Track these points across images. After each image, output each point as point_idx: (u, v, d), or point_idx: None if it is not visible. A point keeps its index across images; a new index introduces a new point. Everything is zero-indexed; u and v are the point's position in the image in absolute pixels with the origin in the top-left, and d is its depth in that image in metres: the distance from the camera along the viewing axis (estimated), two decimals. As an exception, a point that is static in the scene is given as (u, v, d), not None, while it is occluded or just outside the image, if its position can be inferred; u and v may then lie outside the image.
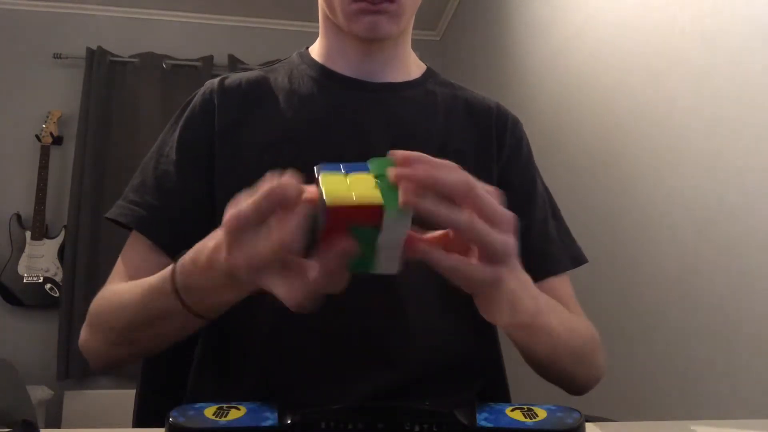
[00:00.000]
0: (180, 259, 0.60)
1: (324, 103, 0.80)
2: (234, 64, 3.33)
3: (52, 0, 3.29)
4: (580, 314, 0.83)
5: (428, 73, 0.88)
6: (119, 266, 0.78)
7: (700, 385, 1.28)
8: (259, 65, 3.35)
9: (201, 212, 0.77)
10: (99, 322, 0.72)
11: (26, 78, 3.24)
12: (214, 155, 0.77)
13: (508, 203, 0.81)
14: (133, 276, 0.75)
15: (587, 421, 0.54)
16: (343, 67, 0.82)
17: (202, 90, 0.83)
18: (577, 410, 0.54)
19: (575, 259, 0.86)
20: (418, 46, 3.62)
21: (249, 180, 0.74)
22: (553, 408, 0.55)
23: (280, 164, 0.74)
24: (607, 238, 1.69)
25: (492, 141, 0.84)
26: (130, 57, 3.29)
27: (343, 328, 0.72)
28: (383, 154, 0.76)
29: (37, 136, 3.13)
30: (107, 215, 0.78)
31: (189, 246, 0.74)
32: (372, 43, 0.80)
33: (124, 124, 3.22)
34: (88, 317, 0.75)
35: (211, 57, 3.34)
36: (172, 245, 0.76)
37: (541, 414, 0.53)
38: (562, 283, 0.84)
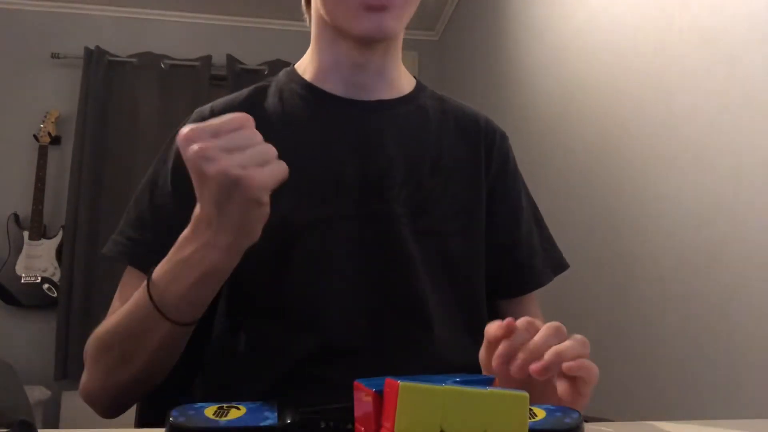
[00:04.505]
0: (154, 270, 0.66)
1: (319, 127, 0.80)
2: (233, 64, 3.33)
3: (50, 0, 3.28)
4: None
5: (419, 87, 0.89)
6: (117, 304, 0.78)
7: (700, 385, 1.28)
8: (259, 64, 3.35)
9: None
10: (95, 354, 0.74)
11: (24, 78, 3.24)
12: None
13: (497, 216, 0.86)
14: None
15: (586, 421, 0.54)
16: (334, 84, 0.82)
17: (191, 119, 0.82)
18: (576, 410, 0.54)
19: (557, 267, 0.90)
20: (416, 46, 3.63)
21: None
22: (552, 408, 0.55)
23: (285, 187, 0.75)
24: (605, 238, 1.69)
25: (481, 155, 0.85)
26: (129, 57, 3.28)
27: (374, 344, 0.75)
28: (381, 170, 0.79)
29: (35, 136, 3.13)
30: (107, 252, 0.78)
31: None
32: (368, 47, 0.79)
33: (122, 123, 3.22)
34: (85, 361, 0.76)
35: (210, 57, 3.34)
36: None
37: (540, 414, 0.53)
38: (533, 303, 0.89)
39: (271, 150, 0.59)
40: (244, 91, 0.85)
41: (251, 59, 3.38)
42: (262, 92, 0.84)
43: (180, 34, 3.41)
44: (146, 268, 0.75)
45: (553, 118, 2.07)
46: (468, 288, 0.83)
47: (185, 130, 0.56)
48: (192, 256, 0.63)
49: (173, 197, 0.78)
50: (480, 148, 0.86)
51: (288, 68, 0.88)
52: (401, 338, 0.76)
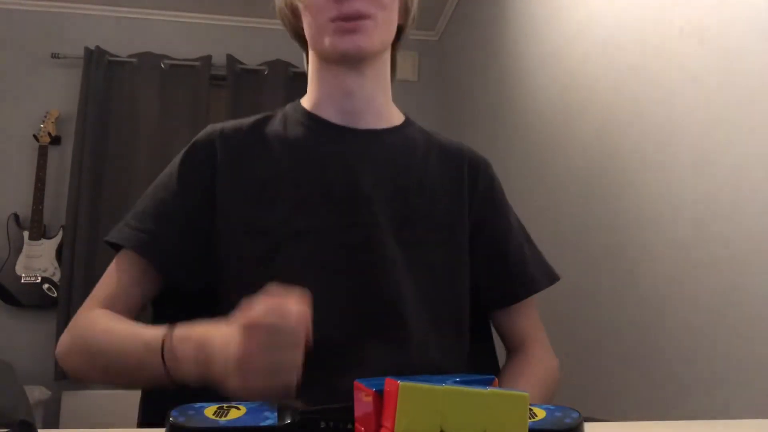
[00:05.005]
0: (176, 340, 0.69)
1: (315, 148, 0.89)
2: (232, 64, 3.33)
3: (50, 0, 3.28)
4: (543, 340, 0.95)
5: (407, 122, 0.97)
6: (108, 286, 0.84)
7: (700, 385, 1.28)
8: (259, 64, 3.34)
9: (198, 236, 0.85)
10: (82, 347, 0.80)
11: (24, 78, 3.24)
12: (215, 190, 0.85)
13: (487, 232, 0.93)
14: (117, 298, 0.83)
15: (586, 421, 0.54)
16: (329, 112, 0.91)
17: (204, 132, 0.91)
18: (576, 410, 0.54)
19: (550, 276, 0.96)
20: (416, 47, 3.60)
21: (253, 213, 0.83)
22: (552, 408, 0.55)
23: (280, 198, 0.84)
24: (604, 238, 1.69)
25: (463, 182, 0.93)
26: (129, 57, 3.28)
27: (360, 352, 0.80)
28: (369, 188, 0.85)
29: (35, 136, 3.13)
30: (108, 239, 0.85)
31: (184, 267, 0.83)
32: (354, 68, 0.87)
33: (122, 123, 3.22)
34: (71, 333, 0.81)
35: (210, 57, 3.34)
36: (170, 267, 0.84)
37: (540, 414, 0.53)
38: (530, 308, 0.96)
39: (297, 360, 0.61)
40: (252, 117, 0.94)
41: (251, 59, 3.38)
42: (270, 119, 0.93)
43: (180, 34, 3.41)
44: (149, 255, 0.83)
45: (553, 117, 2.07)
46: (451, 295, 0.89)
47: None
48: (212, 370, 0.65)
49: (178, 194, 0.85)
50: (463, 173, 0.94)
51: (294, 102, 0.97)
52: (383, 340, 0.81)
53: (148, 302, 0.87)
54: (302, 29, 0.91)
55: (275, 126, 0.91)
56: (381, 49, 0.89)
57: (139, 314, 0.86)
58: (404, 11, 0.92)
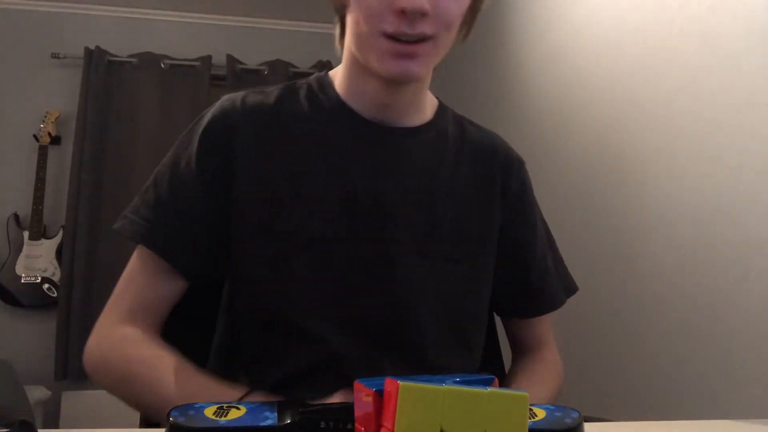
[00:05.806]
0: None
1: (341, 146, 0.80)
2: (232, 64, 3.33)
3: (50, 0, 3.28)
4: (551, 343, 0.94)
5: (440, 111, 0.89)
6: (127, 291, 0.79)
7: (700, 385, 1.28)
8: (259, 64, 3.34)
9: (218, 230, 0.78)
10: (110, 369, 0.76)
11: (24, 78, 3.24)
12: (233, 181, 0.78)
13: (513, 241, 0.88)
14: (145, 306, 0.77)
15: (586, 421, 0.54)
16: (362, 105, 0.81)
17: (221, 106, 0.81)
18: (575, 410, 0.54)
19: (568, 290, 0.94)
20: (416, 47, 3.46)
21: (270, 212, 0.77)
22: (552, 408, 0.55)
23: (298, 198, 0.78)
24: (605, 238, 1.69)
25: (496, 185, 0.87)
26: (129, 57, 3.28)
27: (366, 354, 0.77)
28: (394, 195, 0.80)
29: (35, 136, 3.13)
30: (120, 229, 0.78)
31: (204, 265, 0.78)
32: (396, 85, 0.78)
33: (122, 123, 3.22)
34: (99, 347, 0.77)
35: (210, 57, 3.34)
36: (190, 266, 0.78)
37: (540, 414, 0.54)
38: (545, 320, 0.93)
39: None
40: (275, 92, 0.83)
41: (251, 59, 3.38)
42: (294, 95, 0.83)
43: (180, 34, 3.41)
44: (167, 254, 0.77)
45: (552, 117, 2.07)
46: (475, 311, 0.85)
47: None
48: None
49: (196, 181, 0.77)
50: (496, 178, 0.87)
51: (321, 74, 0.87)
52: (398, 360, 0.77)
53: (176, 298, 0.80)
54: (344, 6, 0.77)
55: (300, 107, 0.82)
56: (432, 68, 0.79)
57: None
58: (469, 21, 0.84)
